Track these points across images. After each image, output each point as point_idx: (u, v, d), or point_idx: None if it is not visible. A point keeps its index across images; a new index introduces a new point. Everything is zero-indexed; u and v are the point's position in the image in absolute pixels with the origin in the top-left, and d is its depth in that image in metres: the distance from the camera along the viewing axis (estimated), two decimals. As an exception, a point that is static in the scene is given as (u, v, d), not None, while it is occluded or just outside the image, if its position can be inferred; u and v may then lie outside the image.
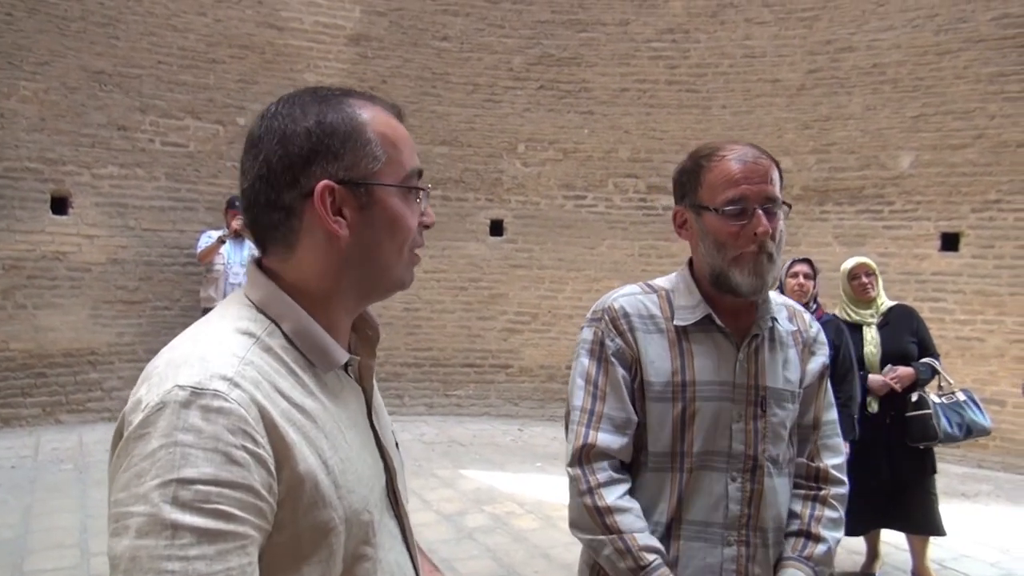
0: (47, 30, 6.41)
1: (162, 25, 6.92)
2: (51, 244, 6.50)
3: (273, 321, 0.92)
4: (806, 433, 1.61)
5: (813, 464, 1.60)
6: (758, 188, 1.42)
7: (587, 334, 1.55)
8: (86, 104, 6.62)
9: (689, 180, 1.50)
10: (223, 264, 6.38)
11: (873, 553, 4.16)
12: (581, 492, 1.46)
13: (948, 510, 4.08)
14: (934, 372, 3.99)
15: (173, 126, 7.03)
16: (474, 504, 5.00)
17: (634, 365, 1.51)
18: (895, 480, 3.86)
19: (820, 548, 1.53)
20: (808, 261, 3.88)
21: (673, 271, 1.63)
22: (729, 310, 1.51)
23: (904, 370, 3.89)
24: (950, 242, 6.81)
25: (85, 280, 6.65)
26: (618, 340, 1.51)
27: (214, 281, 6.41)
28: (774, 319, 1.55)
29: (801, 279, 3.80)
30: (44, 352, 6.45)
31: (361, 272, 0.95)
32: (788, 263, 3.89)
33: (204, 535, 0.74)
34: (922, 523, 3.90)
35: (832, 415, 1.64)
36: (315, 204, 0.90)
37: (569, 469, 1.50)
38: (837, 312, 4.14)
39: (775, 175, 1.46)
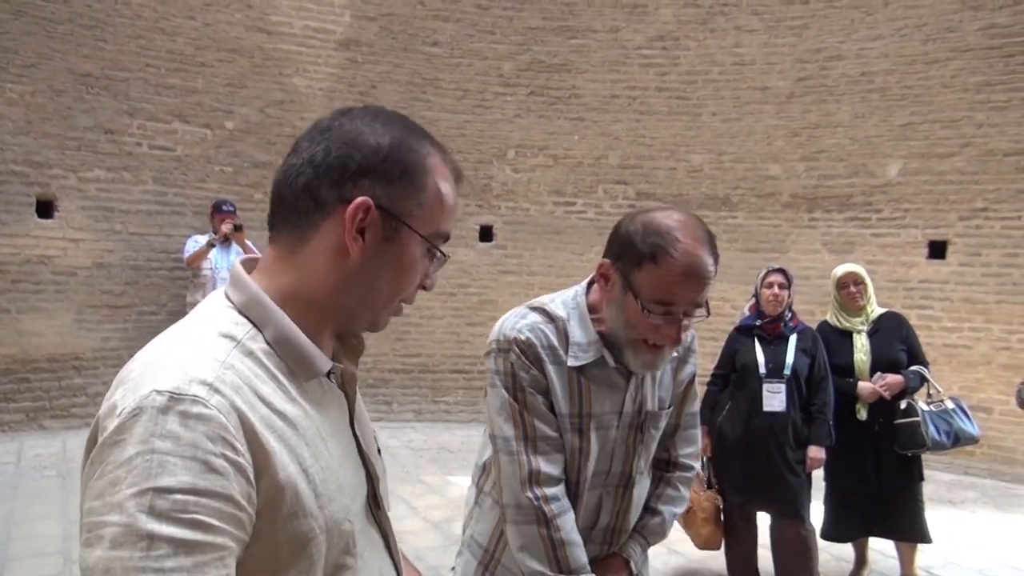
0: (34, 32, 6.36)
1: (150, 28, 6.88)
2: (36, 248, 6.43)
3: (255, 325, 0.89)
4: (669, 432, 1.73)
5: (667, 453, 1.75)
6: (691, 298, 1.43)
7: (498, 364, 1.54)
8: (73, 107, 6.57)
9: (630, 255, 1.45)
10: (210, 269, 6.33)
11: (861, 560, 4.16)
12: (538, 521, 1.49)
13: (935, 517, 4.09)
14: (923, 380, 3.99)
15: (161, 129, 6.99)
16: (462, 511, 4.95)
17: (547, 393, 1.53)
18: (883, 487, 3.87)
19: (655, 520, 1.70)
20: (783, 271, 3.86)
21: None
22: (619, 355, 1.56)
23: (893, 378, 3.89)
24: (937, 250, 6.84)
25: (70, 284, 6.59)
26: (532, 371, 1.52)
27: (201, 286, 6.36)
28: None
29: (776, 289, 3.80)
30: (28, 357, 6.37)
31: (353, 298, 0.93)
32: (763, 272, 3.89)
33: (181, 546, 0.72)
34: (909, 530, 3.91)
35: (693, 407, 1.75)
36: (345, 213, 0.89)
37: (523, 495, 1.50)
38: (828, 318, 4.15)
39: (712, 278, 1.44)
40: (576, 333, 1.54)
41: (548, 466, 1.51)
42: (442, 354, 7.65)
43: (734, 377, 3.94)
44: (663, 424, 1.67)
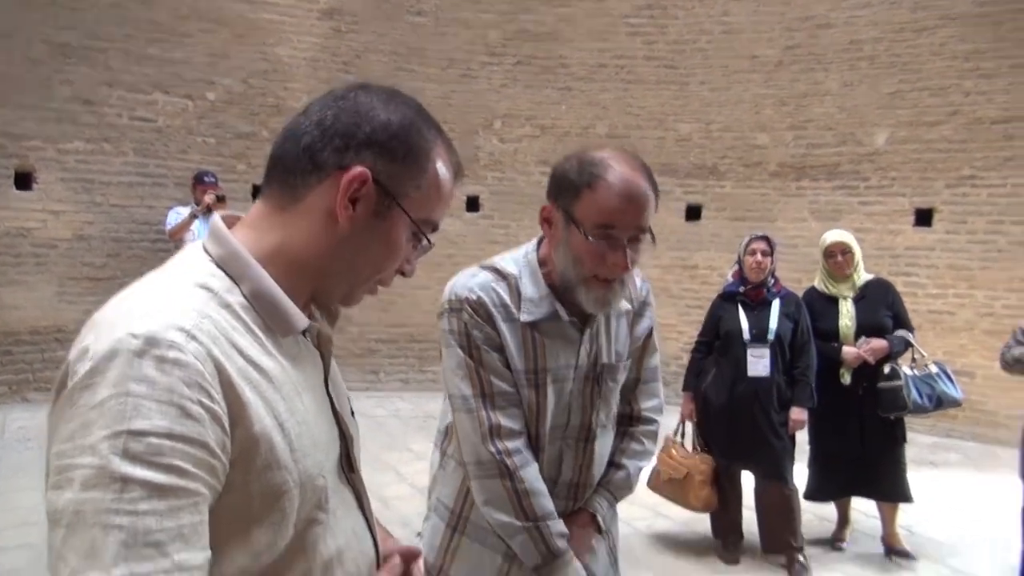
0: (9, 2, 6.22)
1: (129, -4, 6.75)
2: (15, 220, 6.35)
3: (232, 279, 0.88)
4: (630, 386, 1.73)
5: (629, 407, 1.75)
6: (631, 220, 1.43)
7: (452, 324, 1.54)
8: (51, 78, 6.46)
9: (568, 189, 1.47)
10: (193, 240, 6.26)
11: (844, 520, 4.22)
12: (501, 475, 1.50)
13: (917, 478, 4.14)
14: (907, 345, 4.01)
15: (141, 100, 6.88)
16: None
17: (501, 350, 1.53)
18: (866, 450, 3.90)
19: (619, 474, 1.70)
20: (766, 238, 3.90)
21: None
22: (573, 299, 1.54)
23: (877, 342, 3.91)
24: (924, 218, 6.86)
25: (51, 257, 6.52)
26: (485, 328, 1.52)
27: (184, 258, 6.29)
28: None
29: (759, 256, 3.83)
30: (10, 330, 6.32)
31: (333, 267, 0.93)
32: (746, 240, 3.92)
33: (155, 490, 0.71)
34: (891, 491, 3.96)
35: (653, 362, 1.75)
36: (342, 179, 0.89)
37: (484, 450, 1.51)
38: (816, 284, 4.16)
39: (652, 205, 1.46)
40: (528, 288, 1.55)
41: (508, 420, 1.51)
42: (428, 324, 7.50)
43: (718, 344, 3.96)
44: (621, 377, 1.67)
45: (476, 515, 1.60)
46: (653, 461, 3.85)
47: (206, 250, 0.91)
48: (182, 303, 0.81)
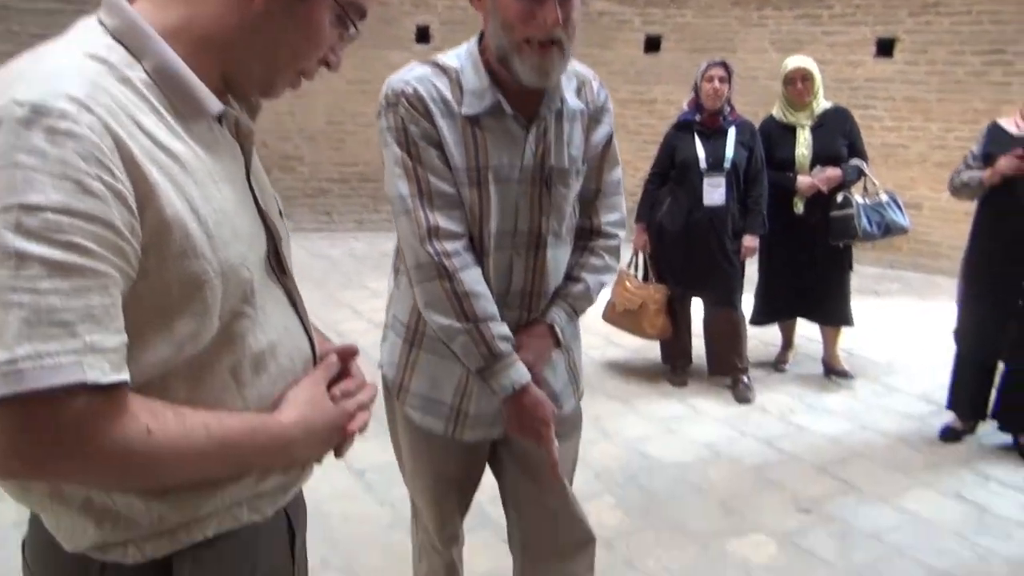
0: None
1: None
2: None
3: (132, 55, 0.78)
4: (589, 197, 1.67)
5: (590, 220, 1.68)
6: None
7: (389, 121, 1.47)
8: None
9: None
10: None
11: (787, 343, 4.41)
12: (439, 276, 1.46)
13: (860, 306, 4.30)
14: (860, 173, 4.03)
15: (51, -88, 6.20)
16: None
17: (440, 147, 1.46)
18: (814, 276, 4.00)
19: (578, 287, 1.64)
20: (724, 64, 3.81)
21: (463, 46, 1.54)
22: (517, 91, 1.47)
23: (832, 171, 3.92)
24: (885, 48, 6.73)
25: (-29, 93, 6.07)
26: (422, 123, 1.45)
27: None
28: (562, 99, 1.53)
29: (716, 83, 3.76)
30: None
31: (249, 50, 0.84)
32: (703, 66, 3.83)
33: (57, 268, 0.65)
34: (834, 314, 4.11)
35: (615, 175, 1.69)
36: None
37: (422, 251, 1.46)
38: (773, 112, 4.10)
39: None
40: (470, 80, 1.47)
41: (447, 222, 1.46)
42: (381, 162, 7.32)
43: (674, 173, 3.93)
44: (574, 184, 1.59)
45: (431, 328, 1.57)
46: (608, 292, 3.92)
47: (101, 22, 0.80)
48: (73, 72, 0.72)
